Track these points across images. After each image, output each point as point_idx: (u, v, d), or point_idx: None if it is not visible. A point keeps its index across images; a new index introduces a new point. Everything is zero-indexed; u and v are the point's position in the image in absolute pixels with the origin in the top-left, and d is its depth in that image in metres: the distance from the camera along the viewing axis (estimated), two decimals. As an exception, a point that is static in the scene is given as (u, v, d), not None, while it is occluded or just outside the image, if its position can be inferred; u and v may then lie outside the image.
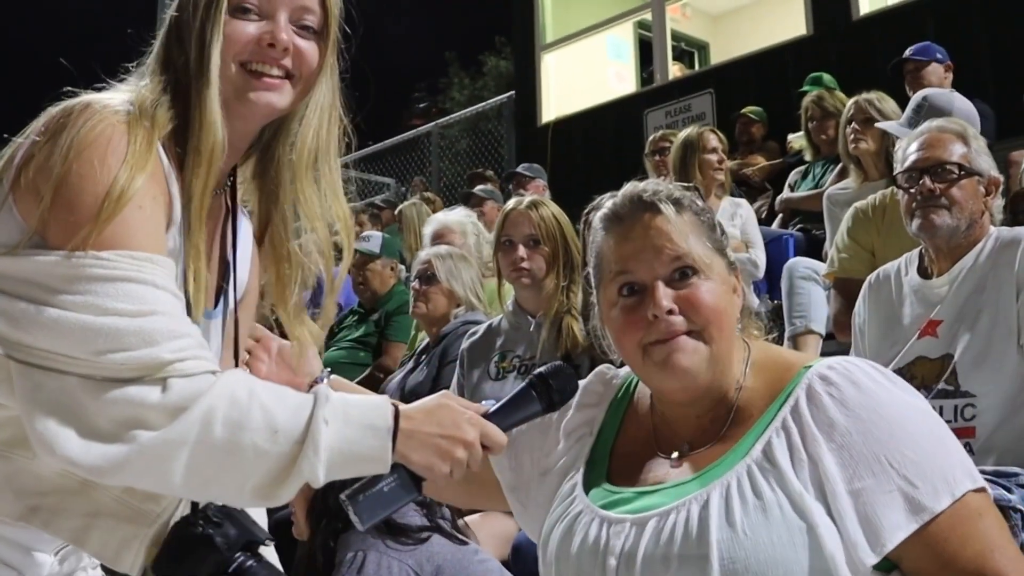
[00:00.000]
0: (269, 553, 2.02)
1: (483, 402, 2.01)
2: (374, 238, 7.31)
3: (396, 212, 10.70)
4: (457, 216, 6.66)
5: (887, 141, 5.84)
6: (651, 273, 1.98)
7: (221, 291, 2.05)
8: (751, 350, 2.07)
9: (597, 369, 2.31)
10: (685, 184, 2.14)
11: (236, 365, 2.11)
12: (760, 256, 6.41)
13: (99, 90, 1.93)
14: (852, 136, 6.02)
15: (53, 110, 1.81)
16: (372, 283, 7.03)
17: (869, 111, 5.96)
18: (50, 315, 1.65)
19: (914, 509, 1.74)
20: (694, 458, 1.98)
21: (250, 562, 1.88)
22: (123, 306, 1.67)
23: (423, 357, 5.52)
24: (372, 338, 6.98)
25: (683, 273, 1.98)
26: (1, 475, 1.81)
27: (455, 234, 6.38)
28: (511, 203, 4.68)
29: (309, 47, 1.98)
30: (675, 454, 2.01)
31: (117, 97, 1.86)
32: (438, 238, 6.39)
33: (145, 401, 1.65)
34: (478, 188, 10.23)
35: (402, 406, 1.83)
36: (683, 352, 1.94)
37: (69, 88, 1.90)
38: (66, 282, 1.67)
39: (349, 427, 1.75)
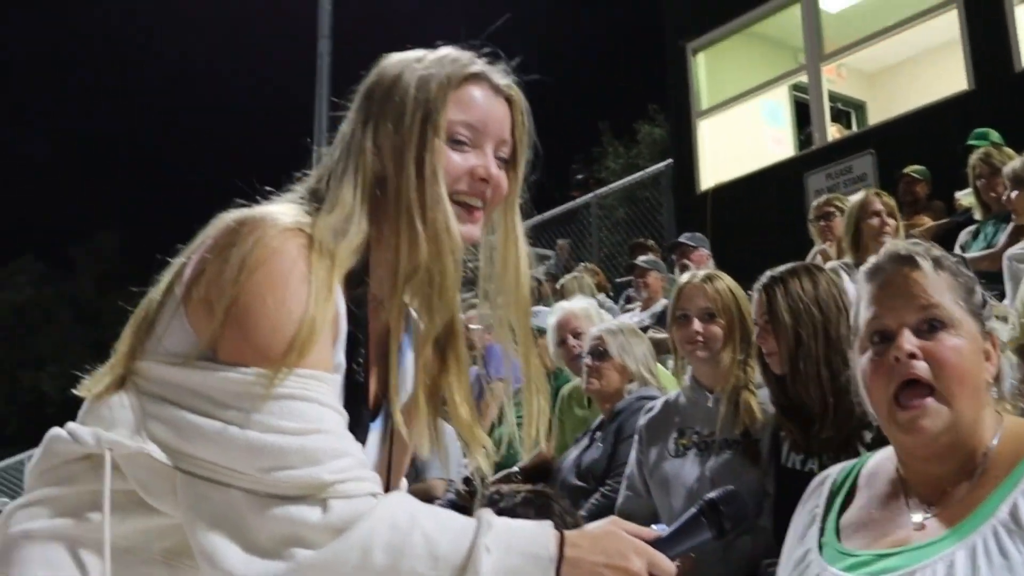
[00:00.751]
0: None
1: (654, 527, 1.99)
2: (541, 314, 7.33)
3: (558, 285, 10.74)
4: (582, 304, 6.64)
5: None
6: (899, 319, 2.04)
7: (381, 402, 2.04)
8: (1004, 421, 2.08)
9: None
10: (948, 253, 2.19)
11: (390, 475, 2.08)
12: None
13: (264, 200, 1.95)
14: (1013, 199, 5.93)
15: (223, 221, 1.84)
16: (541, 358, 7.05)
17: (1015, 178, 5.87)
18: (216, 428, 1.68)
19: None
20: (937, 518, 1.99)
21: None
22: (288, 424, 1.69)
23: (597, 434, 5.51)
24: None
25: (931, 325, 2.03)
26: None
27: (581, 320, 6.36)
28: (685, 277, 4.67)
29: (504, 179, 2.01)
30: (919, 516, 2.02)
31: (288, 211, 1.87)
32: (563, 327, 6.38)
33: (306, 521, 1.66)
34: (641, 259, 10.22)
35: (568, 533, 1.78)
36: (927, 416, 1.98)
37: (239, 200, 1.92)
38: (234, 398, 1.70)
39: (511, 556, 1.72)
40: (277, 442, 1.68)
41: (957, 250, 7.43)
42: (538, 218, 16.99)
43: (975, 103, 10.64)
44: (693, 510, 1.93)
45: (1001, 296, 6.16)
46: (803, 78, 13.22)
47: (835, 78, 13.74)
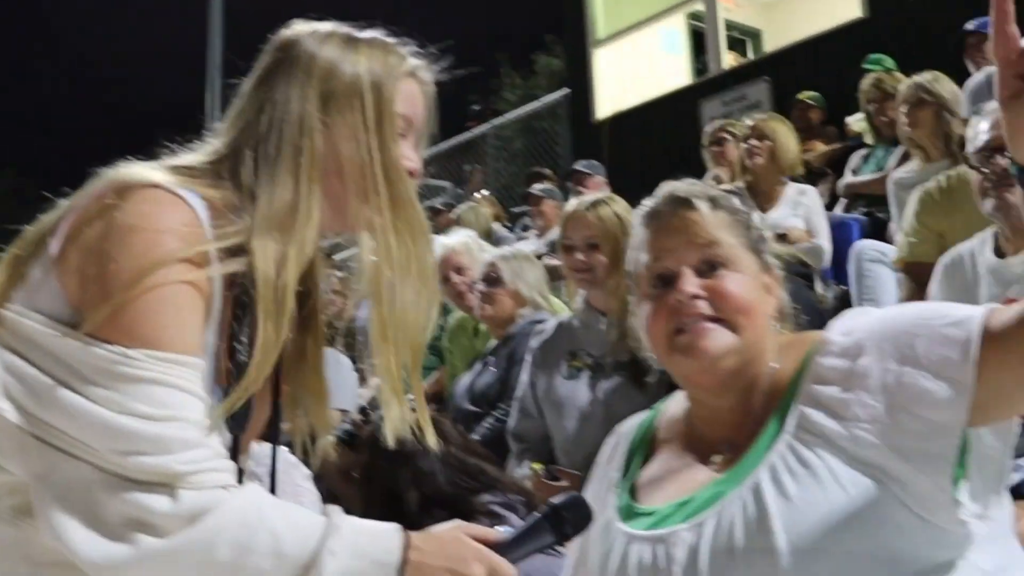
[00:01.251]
0: None
1: (498, 529, 1.99)
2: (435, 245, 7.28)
3: (454, 215, 10.71)
4: (460, 238, 6.62)
5: (942, 122, 5.80)
6: (679, 261, 2.03)
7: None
8: (782, 341, 2.08)
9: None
10: (728, 188, 2.17)
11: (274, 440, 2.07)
12: (825, 244, 6.36)
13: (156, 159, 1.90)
14: (906, 120, 5.99)
15: (107, 181, 1.79)
16: (437, 287, 7.02)
17: (920, 94, 5.92)
18: (71, 400, 1.63)
19: (962, 324, 1.76)
20: (732, 456, 1.97)
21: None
22: (144, 408, 1.64)
23: (490, 359, 5.54)
24: (437, 341, 6.98)
25: (712, 265, 2.03)
26: (8, 539, 1.77)
27: (462, 255, 6.35)
28: (572, 204, 4.66)
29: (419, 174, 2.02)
30: (716, 458, 2.01)
31: (179, 176, 1.83)
32: (445, 264, 6.36)
33: (154, 508, 1.62)
34: (536, 187, 10.21)
35: (413, 536, 1.79)
36: (707, 338, 1.97)
37: (126, 156, 1.87)
38: (92, 372, 1.65)
39: (356, 560, 1.71)
40: (132, 426, 1.63)
41: (848, 174, 7.53)
42: (434, 149, 16.88)
43: (868, 30, 10.72)
44: (537, 515, 1.95)
45: (888, 218, 6.25)
46: (699, 6, 13.24)
47: (731, 6, 13.79)
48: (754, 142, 6.80)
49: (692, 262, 2.03)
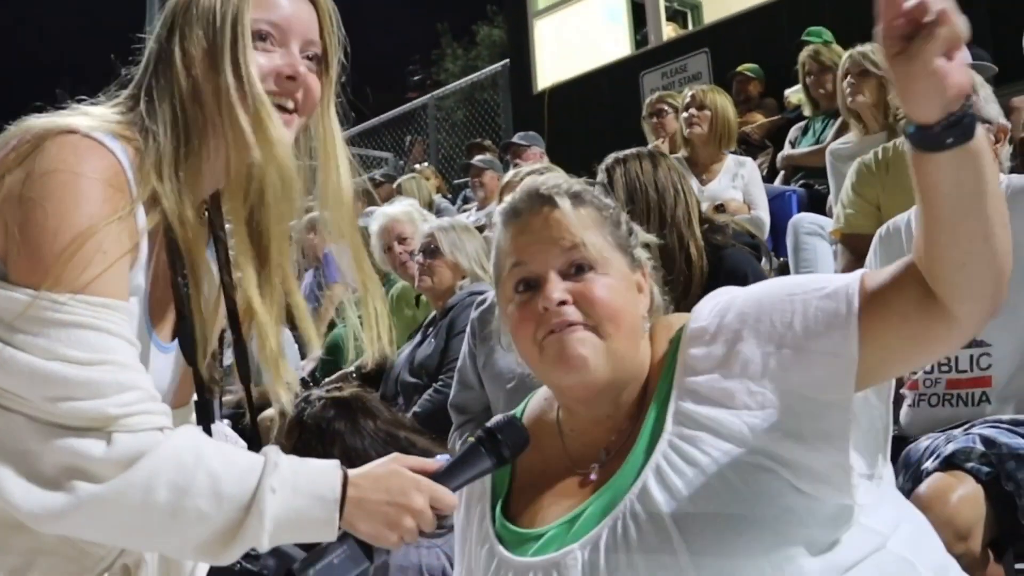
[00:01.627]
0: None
1: (438, 457, 1.98)
2: (375, 215, 7.29)
3: (395, 186, 10.67)
4: (403, 207, 6.60)
5: (885, 93, 5.83)
6: (545, 265, 1.96)
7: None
8: (653, 330, 2.05)
9: None
10: (590, 180, 2.14)
11: (201, 397, 2.04)
12: (764, 216, 6.40)
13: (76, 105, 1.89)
14: (849, 90, 6.01)
15: (25, 129, 1.76)
16: (376, 260, 7.01)
17: (864, 64, 5.94)
18: (3, 351, 1.62)
19: (840, 293, 1.75)
20: (612, 463, 1.93)
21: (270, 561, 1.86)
22: (74, 353, 1.63)
23: (430, 330, 5.54)
24: (378, 312, 6.96)
25: (579, 267, 1.96)
26: None
27: (404, 224, 6.33)
28: (510, 174, 4.68)
29: (315, 81, 1.96)
30: (594, 473, 1.97)
31: (96, 122, 1.81)
32: (387, 233, 6.35)
33: (90, 453, 1.61)
34: (477, 158, 10.19)
35: (351, 473, 1.80)
36: (576, 342, 1.91)
37: (41, 104, 1.86)
38: (21, 320, 1.63)
39: (297, 496, 1.72)
40: (62, 371, 1.62)
41: (787, 146, 7.57)
42: (374, 120, 16.85)
43: (807, 3, 10.74)
44: (472, 440, 1.94)
45: (827, 191, 6.29)
46: (639, -23, 13.21)
47: (671, -22, 13.78)
48: (694, 112, 6.80)
49: (557, 265, 1.96)
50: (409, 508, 1.80)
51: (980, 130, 1.54)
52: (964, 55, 1.49)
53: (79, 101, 1.91)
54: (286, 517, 1.70)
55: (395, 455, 1.90)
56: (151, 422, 1.68)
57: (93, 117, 1.84)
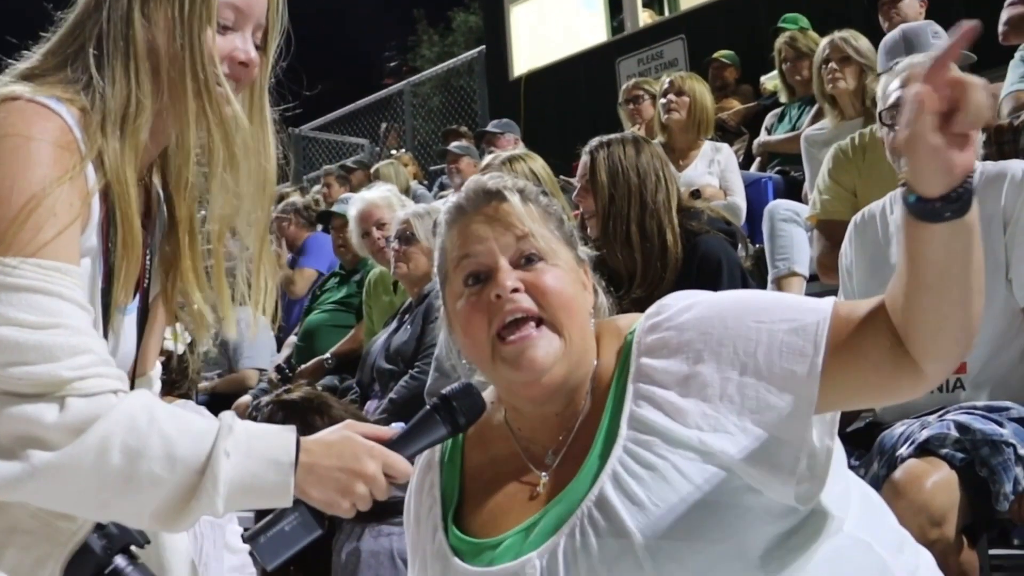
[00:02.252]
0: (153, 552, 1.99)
1: (393, 425, 1.97)
2: (352, 200, 7.28)
3: (372, 171, 10.67)
4: (381, 193, 6.58)
5: (864, 79, 5.84)
6: (495, 255, 1.94)
7: (138, 285, 1.96)
8: (600, 329, 2.03)
9: None
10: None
11: (152, 360, 2.05)
12: (740, 202, 6.40)
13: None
14: (830, 75, 6.01)
15: None
16: (352, 245, 7.00)
17: (846, 49, 5.94)
18: None
19: (806, 332, 1.75)
20: (565, 468, 1.92)
21: (126, 565, 1.85)
22: (25, 317, 1.62)
23: (406, 317, 5.54)
24: (355, 299, 6.99)
25: (528, 258, 1.94)
26: None
27: (383, 210, 6.31)
28: (486, 161, 4.68)
29: (257, 63, 1.97)
30: (543, 476, 1.95)
31: (37, 86, 1.79)
32: (366, 219, 6.33)
33: (42, 420, 1.60)
34: (453, 145, 10.19)
35: (303, 439, 1.78)
36: (536, 347, 1.88)
37: None
38: None
39: (251, 460, 1.71)
40: (13, 336, 1.61)
41: (763, 133, 7.58)
42: (351, 106, 16.83)
43: (783, -11, 10.76)
44: (426, 408, 1.92)
45: (803, 177, 6.30)
46: (615, -37, 13.20)
47: (647, -36, 13.77)
48: (672, 97, 6.81)
49: (508, 255, 1.93)
50: (361, 474, 1.78)
51: (975, 204, 1.56)
52: (977, 136, 1.53)
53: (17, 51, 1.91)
54: (240, 481, 1.69)
55: (348, 421, 1.90)
56: (104, 385, 1.67)
57: (30, 77, 1.84)
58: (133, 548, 1.88)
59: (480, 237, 1.95)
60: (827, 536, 1.79)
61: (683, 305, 1.90)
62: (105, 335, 1.86)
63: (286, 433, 1.77)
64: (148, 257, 1.98)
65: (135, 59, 1.85)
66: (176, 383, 4.06)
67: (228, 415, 1.77)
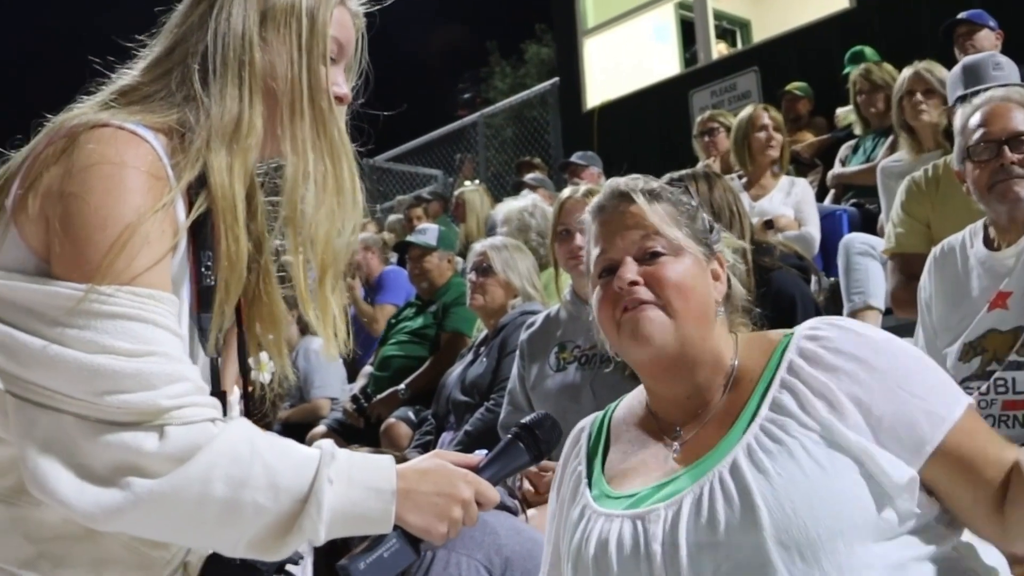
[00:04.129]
0: (304, 568, 2.01)
1: (477, 452, 2.02)
2: (430, 231, 7.34)
3: (456, 196, 10.67)
4: (523, 203, 6.65)
5: (946, 113, 5.80)
6: (621, 251, 2.14)
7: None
8: (739, 339, 2.18)
9: None
10: (674, 179, 2.26)
11: (244, 376, 2.07)
12: (813, 232, 6.39)
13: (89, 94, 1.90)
14: (914, 107, 5.97)
15: (57, 127, 1.78)
16: (429, 275, 7.06)
17: (931, 81, 5.93)
18: (47, 349, 1.60)
19: (935, 421, 1.89)
20: (698, 439, 2.06)
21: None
22: (121, 344, 1.62)
23: (482, 349, 5.55)
24: (430, 330, 7.01)
25: (652, 254, 2.12)
26: (6, 520, 1.75)
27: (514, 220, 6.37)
28: (566, 192, 4.68)
29: (348, 101, 2.04)
30: (675, 446, 2.10)
31: (124, 114, 1.80)
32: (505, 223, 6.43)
33: (142, 448, 1.61)
34: (528, 176, 10.23)
35: (398, 467, 1.82)
36: (644, 320, 2.06)
37: (83, 96, 1.89)
38: (67, 315, 1.62)
39: (353, 488, 1.73)
40: (110, 364, 1.61)
41: (837, 165, 7.54)
42: (424, 138, 16.93)
43: (856, 21, 10.72)
44: (509, 436, 2.01)
45: (878, 209, 6.26)
46: (688, -4, 13.21)
47: (720, -4, 13.77)
48: (773, 133, 6.91)
49: (633, 252, 2.12)
50: (458, 499, 1.83)
51: None
52: None
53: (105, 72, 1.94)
54: (342, 509, 1.72)
55: (435, 451, 1.96)
56: (202, 414, 1.68)
57: (121, 100, 1.86)
58: (288, 566, 1.91)
59: (612, 235, 2.17)
60: (937, 552, 1.92)
61: (844, 327, 2.05)
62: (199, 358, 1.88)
63: (387, 461, 1.81)
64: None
65: (250, 79, 1.88)
66: (264, 414, 4.09)
67: (328, 443, 1.78)
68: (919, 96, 5.94)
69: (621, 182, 2.22)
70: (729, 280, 2.23)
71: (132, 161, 1.72)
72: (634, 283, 2.08)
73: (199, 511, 1.65)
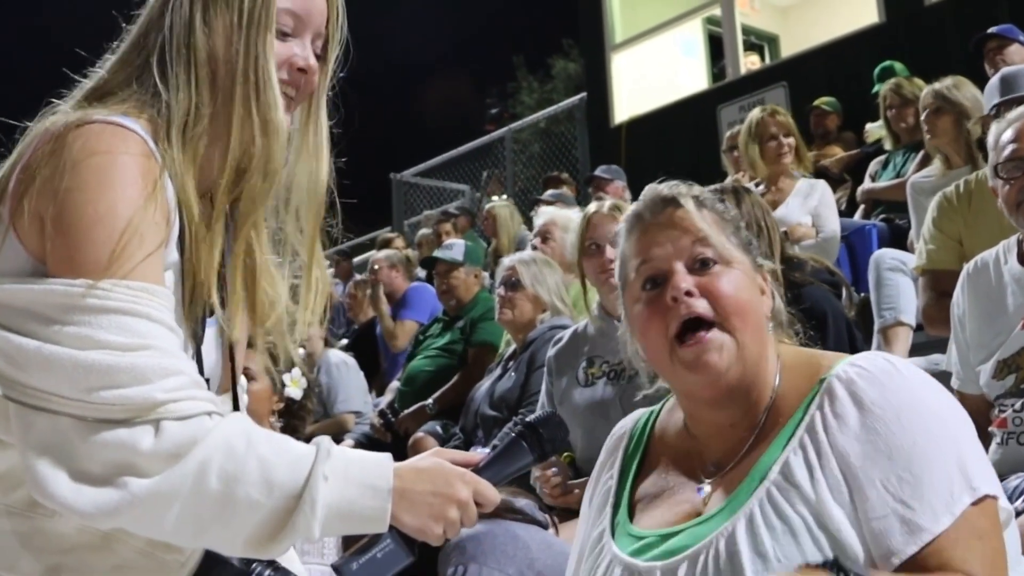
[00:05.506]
0: (290, 557, 1.99)
1: (477, 450, 1.98)
2: (457, 246, 7.34)
3: (487, 210, 10.69)
4: (568, 212, 6.65)
5: (962, 129, 5.79)
6: (670, 260, 1.98)
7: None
8: (782, 355, 2.04)
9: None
10: (715, 188, 2.15)
11: (234, 373, 2.04)
12: (833, 229, 6.38)
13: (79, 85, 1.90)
14: (926, 127, 5.98)
15: (46, 126, 1.76)
16: (456, 291, 7.06)
17: (937, 101, 5.92)
18: (42, 349, 1.60)
19: (912, 530, 1.69)
20: (722, 483, 1.94)
21: (268, 572, 1.89)
22: (115, 339, 1.61)
23: (511, 364, 5.54)
24: (458, 345, 7.00)
25: (704, 262, 1.98)
26: (19, 535, 1.75)
27: (557, 228, 6.37)
28: (592, 207, 4.66)
29: (316, 73, 1.98)
30: (707, 484, 1.97)
31: (115, 108, 1.80)
32: (545, 232, 6.44)
33: (137, 446, 1.60)
34: (547, 193, 10.27)
35: (396, 465, 1.78)
36: (712, 350, 1.91)
37: (53, 100, 1.88)
38: (61, 312, 1.62)
39: (349, 485, 1.71)
40: (104, 359, 1.60)
41: (867, 180, 7.51)
42: (451, 152, 16.97)
43: (885, 36, 10.71)
44: (512, 434, 1.94)
45: (908, 225, 6.24)
46: (716, 11, 13.20)
47: (748, 11, 13.77)
48: (784, 140, 6.81)
49: (684, 259, 1.98)
50: (455, 499, 1.79)
51: None
52: None
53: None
54: (337, 506, 1.69)
55: (436, 448, 1.91)
56: (198, 407, 1.66)
57: (100, 96, 1.86)
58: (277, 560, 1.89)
59: (657, 242, 2.01)
60: None
61: (876, 378, 1.84)
62: (197, 350, 1.87)
63: (383, 459, 1.78)
64: (224, 267, 1.97)
65: (195, 67, 1.85)
66: (296, 429, 4.10)
67: (325, 439, 1.77)
68: (928, 115, 5.97)
69: (663, 188, 2.08)
70: (773, 294, 2.10)
71: (122, 149, 1.71)
72: (689, 293, 1.93)
73: (194, 507, 1.63)
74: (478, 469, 1.87)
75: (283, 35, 1.92)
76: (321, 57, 2.00)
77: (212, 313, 1.90)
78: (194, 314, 1.85)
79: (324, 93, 2.04)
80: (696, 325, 1.93)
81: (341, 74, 2.07)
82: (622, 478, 2.15)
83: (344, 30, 2.03)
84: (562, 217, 6.54)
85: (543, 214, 6.82)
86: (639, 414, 2.27)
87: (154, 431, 1.61)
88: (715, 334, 1.92)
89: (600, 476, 2.21)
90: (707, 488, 1.97)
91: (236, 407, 2.06)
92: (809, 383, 1.93)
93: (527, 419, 1.96)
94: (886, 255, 5.67)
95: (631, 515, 2.06)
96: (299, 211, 2.00)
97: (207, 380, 1.88)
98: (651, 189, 2.11)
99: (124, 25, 1.97)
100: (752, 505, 1.80)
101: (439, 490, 1.79)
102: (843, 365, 1.89)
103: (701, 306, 1.93)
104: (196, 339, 1.87)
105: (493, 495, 1.85)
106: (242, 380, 2.13)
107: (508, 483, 2.00)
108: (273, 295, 2.04)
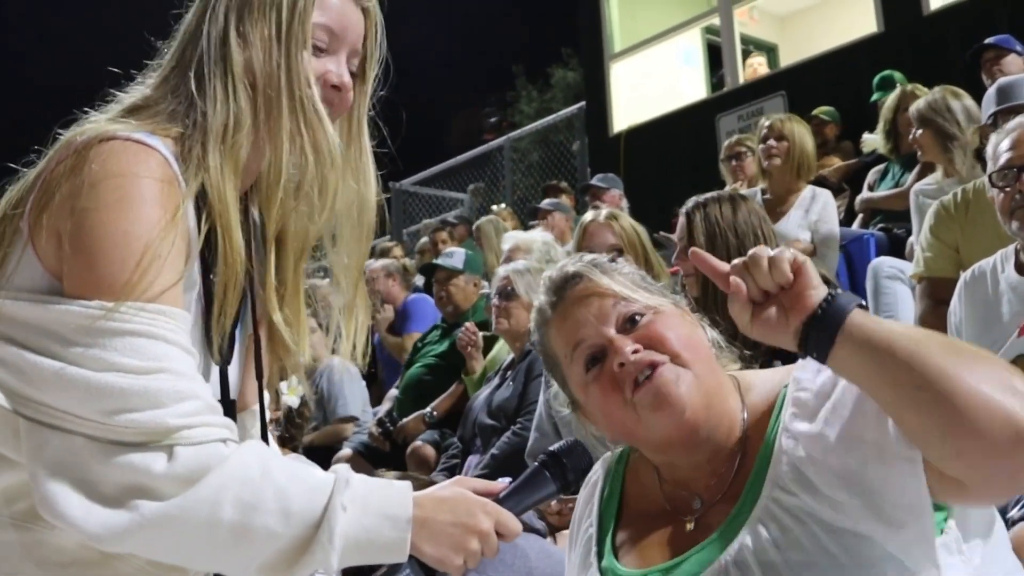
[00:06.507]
0: None
1: (501, 480, 1.97)
2: (457, 254, 7.36)
3: (474, 227, 10.73)
4: (533, 235, 6.68)
5: (946, 141, 5.80)
6: (600, 332, 1.97)
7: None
8: (739, 380, 2.03)
9: None
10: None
11: (260, 386, 2.02)
12: (830, 228, 6.39)
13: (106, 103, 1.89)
14: (914, 145, 6.02)
15: (65, 145, 1.75)
16: (455, 298, 7.07)
17: (914, 120, 5.97)
18: (55, 368, 1.58)
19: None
20: (711, 514, 1.91)
21: None
22: (130, 362, 1.60)
23: (508, 373, 5.55)
24: (456, 353, 7.00)
25: (631, 319, 1.97)
26: (21, 546, 1.72)
27: (522, 252, 6.40)
28: (588, 216, 4.68)
29: (351, 90, 1.97)
30: (690, 524, 1.94)
31: (130, 125, 1.78)
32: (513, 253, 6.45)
33: (150, 470, 1.57)
34: (545, 202, 10.28)
35: (415, 494, 1.76)
36: (668, 382, 1.89)
37: (78, 112, 1.86)
38: (75, 332, 1.60)
39: (367, 515, 1.69)
40: (118, 382, 1.58)
41: (865, 190, 7.51)
42: (451, 161, 16.98)
43: (884, 46, 10.71)
44: (536, 464, 1.91)
45: (908, 232, 6.25)
46: (715, 21, 13.20)
47: (747, 21, 13.76)
48: (772, 142, 6.74)
49: (613, 324, 1.97)
50: (476, 530, 1.76)
51: (850, 321, 1.63)
52: (809, 277, 1.66)
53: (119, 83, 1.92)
54: (356, 536, 1.67)
55: (458, 478, 1.88)
56: (213, 434, 1.64)
57: (130, 113, 1.84)
58: None
59: (579, 321, 2.00)
60: None
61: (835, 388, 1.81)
62: (223, 369, 1.86)
63: (404, 488, 1.75)
64: (249, 283, 1.95)
65: (232, 77, 1.84)
66: (293, 437, 4.08)
67: (343, 468, 1.74)
68: (913, 132, 6.01)
69: (557, 273, 2.08)
70: (703, 326, 2.08)
71: (143, 171, 1.70)
72: (635, 351, 1.91)
73: (208, 534, 1.61)
74: (500, 499, 1.84)
75: (318, 51, 1.91)
76: (357, 75, 1.99)
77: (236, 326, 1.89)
78: (221, 330, 1.82)
79: (365, 113, 2.03)
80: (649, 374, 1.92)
81: (381, 92, 2.05)
82: (602, 525, 2.10)
83: (383, 48, 2.02)
84: (524, 240, 6.62)
85: (508, 239, 6.88)
86: (610, 458, 2.22)
87: (167, 456, 1.59)
88: (668, 367, 1.91)
89: (580, 525, 2.16)
90: (695, 523, 1.94)
91: (263, 424, 2.06)
92: (769, 401, 1.95)
93: (551, 448, 1.93)
94: (884, 263, 5.67)
95: (615, 553, 2.03)
96: (343, 237, 1.99)
97: (233, 401, 1.89)
98: (547, 278, 2.12)
99: (160, 41, 1.97)
100: (753, 525, 1.78)
101: (460, 520, 1.76)
102: (794, 372, 1.92)
103: (649, 356, 1.92)
104: (223, 355, 1.85)
105: (515, 526, 1.82)
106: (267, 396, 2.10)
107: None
108: (298, 329, 2.03)
